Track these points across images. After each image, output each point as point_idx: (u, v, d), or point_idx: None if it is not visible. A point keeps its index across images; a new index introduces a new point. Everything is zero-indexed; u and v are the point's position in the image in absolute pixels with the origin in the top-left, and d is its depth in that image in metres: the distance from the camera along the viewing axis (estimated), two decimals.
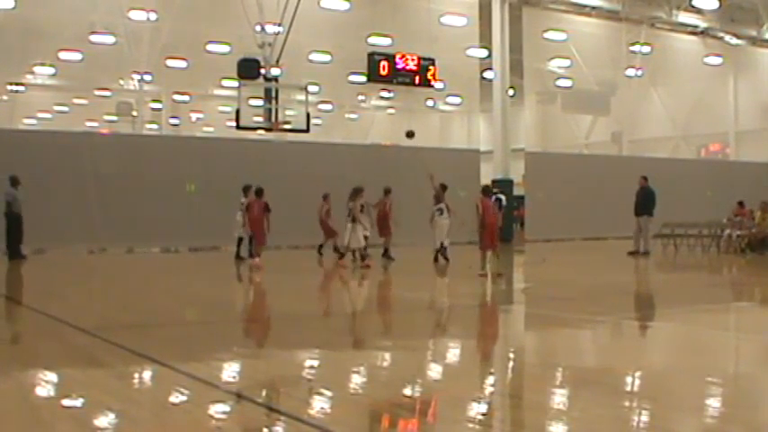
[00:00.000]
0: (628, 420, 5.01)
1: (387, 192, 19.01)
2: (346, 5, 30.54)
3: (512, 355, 7.75)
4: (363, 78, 26.65)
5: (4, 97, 43.06)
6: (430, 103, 48.29)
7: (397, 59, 22.94)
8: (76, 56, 34.71)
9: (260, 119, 22.87)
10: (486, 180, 29.10)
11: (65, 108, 45.98)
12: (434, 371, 6.85)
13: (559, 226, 28.10)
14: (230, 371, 6.64)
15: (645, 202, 20.85)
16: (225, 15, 28.22)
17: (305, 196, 20.38)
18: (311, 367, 6.93)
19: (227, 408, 5.25)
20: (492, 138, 30.09)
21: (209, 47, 34.69)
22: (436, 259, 17.69)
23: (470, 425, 4.85)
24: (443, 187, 18.35)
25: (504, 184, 28.12)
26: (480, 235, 14.24)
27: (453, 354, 7.93)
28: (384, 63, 22.81)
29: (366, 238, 16.84)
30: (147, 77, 34.51)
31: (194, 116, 50.30)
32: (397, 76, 23.11)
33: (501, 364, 7.34)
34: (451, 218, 17.74)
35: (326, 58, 37.68)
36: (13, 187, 18.41)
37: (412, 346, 7.83)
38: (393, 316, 10.58)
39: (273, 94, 22.69)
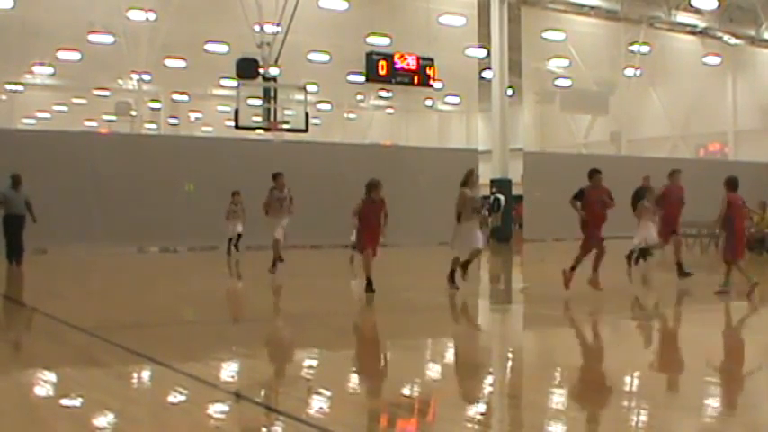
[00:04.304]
0: (626, 420, 5.01)
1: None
2: (345, 5, 30.53)
3: (510, 355, 7.76)
4: (362, 78, 26.65)
5: (3, 97, 43.08)
6: (428, 102, 48.32)
7: (396, 59, 22.94)
8: (75, 56, 34.70)
9: (259, 119, 22.87)
10: (484, 180, 29.13)
11: (63, 108, 45.99)
12: (433, 370, 6.84)
13: (558, 226, 28.07)
14: (229, 370, 6.64)
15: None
16: (224, 15, 28.20)
17: (303, 196, 20.33)
18: (310, 367, 6.93)
19: (225, 407, 5.25)
20: (490, 137, 30.08)
21: (208, 46, 34.68)
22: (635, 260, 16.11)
23: (469, 424, 4.85)
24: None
25: (503, 184, 28.15)
26: (726, 240, 11.59)
27: (452, 353, 7.94)
28: (383, 63, 22.81)
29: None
30: (146, 77, 34.52)
31: (193, 116, 50.34)
32: (395, 76, 23.12)
33: (500, 363, 7.34)
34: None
35: (325, 57, 37.68)
36: (14, 188, 16.80)
37: (411, 346, 7.83)
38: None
39: (272, 94, 22.70)
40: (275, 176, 14.81)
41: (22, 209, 16.71)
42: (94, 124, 44.39)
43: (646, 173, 21.13)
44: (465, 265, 11.97)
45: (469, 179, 12.22)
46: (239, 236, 20.58)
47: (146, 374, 6.48)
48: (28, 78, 40.70)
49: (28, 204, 16.78)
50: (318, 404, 5.36)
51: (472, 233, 12.00)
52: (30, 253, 18.17)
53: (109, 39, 32.47)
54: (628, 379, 6.34)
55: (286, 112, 23.69)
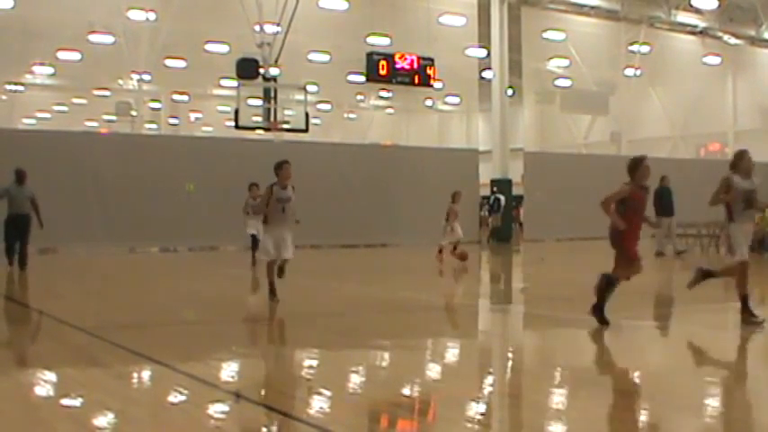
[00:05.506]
0: (627, 420, 5.02)
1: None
2: (345, 5, 30.55)
3: (510, 355, 7.76)
4: (362, 78, 26.68)
5: (3, 97, 43.13)
6: (429, 102, 48.35)
7: (396, 59, 22.94)
8: (75, 56, 34.72)
9: (259, 118, 22.89)
10: (484, 180, 29.13)
11: (64, 108, 46.03)
12: (433, 370, 6.84)
13: (558, 226, 28.11)
14: (229, 370, 6.64)
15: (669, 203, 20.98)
16: (224, 15, 28.23)
17: (303, 196, 20.35)
18: (310, 367, 6.93)
19: (225, 407, 5.24)
20: (491, 137, 30.09)
21: (208, 46, 34.70)
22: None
23: (469, 425, 4.86)
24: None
25: (503, 184, 28.16)
26: None
27: (452, 353, 7.93)
28: (383, 63, 22.82)
29: None
30: (146, 77, 34.54)
31: (193, 116, 50.37)
32: (395, 76, 23.12)
33: (500, 363, 7.34)
34: None
35: (325, 57, 37.71)
36: (18, 184, 15.64)
37: (411, 346, 7.83)
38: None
39: (272, 94, 22.72)
40: (280, 165, 10.48)
41: (26, 207, 15.66)
42: (95, 124, 44.42)
43: (663, 173, 21.07)
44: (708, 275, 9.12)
45: (740, 164, 8.85)
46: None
47: (146, 374, 6.48)
48: (28, 78, 40.74)
49: (34, 203, 15.75)
50: (318, 404, 5.36)
51: (745, 237, 8.84)
52: (32, 252, 17.59)
53: (109, 39, 32.49)
54: (628, 379, 6.34)
55: (286, 112, 23.71)
